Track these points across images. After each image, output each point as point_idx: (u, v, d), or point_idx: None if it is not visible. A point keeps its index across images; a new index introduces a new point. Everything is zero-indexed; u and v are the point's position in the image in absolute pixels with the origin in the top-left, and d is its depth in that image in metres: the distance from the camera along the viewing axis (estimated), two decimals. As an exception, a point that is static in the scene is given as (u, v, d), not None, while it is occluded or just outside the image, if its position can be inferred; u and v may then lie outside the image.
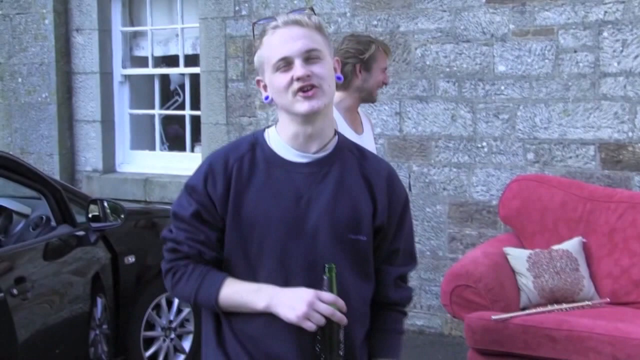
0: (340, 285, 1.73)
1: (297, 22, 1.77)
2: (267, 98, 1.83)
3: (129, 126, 6.49)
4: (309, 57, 1.75)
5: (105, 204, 3.89)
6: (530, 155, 4.72)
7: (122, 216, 3.83)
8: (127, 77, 6.42)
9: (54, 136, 6.33)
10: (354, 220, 1.81)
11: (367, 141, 3.32)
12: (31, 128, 6.44)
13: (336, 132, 1.90)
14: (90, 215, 3.76)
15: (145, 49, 6.39)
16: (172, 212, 1.83)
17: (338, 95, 3.27)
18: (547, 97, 4.64)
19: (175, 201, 1.86)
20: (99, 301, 3.78)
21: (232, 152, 1.83)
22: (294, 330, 1.71)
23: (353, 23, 5.19)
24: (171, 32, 6.25)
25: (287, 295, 1.70)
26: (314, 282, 1.72)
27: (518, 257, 4.05)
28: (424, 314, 5.15)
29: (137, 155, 6.46)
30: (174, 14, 6.20)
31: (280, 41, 1.75)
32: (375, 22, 5.12)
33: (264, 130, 1.89)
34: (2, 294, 2.95)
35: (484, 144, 4.86)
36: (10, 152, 4.70)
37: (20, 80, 6.44)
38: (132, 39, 6.46)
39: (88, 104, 6.34)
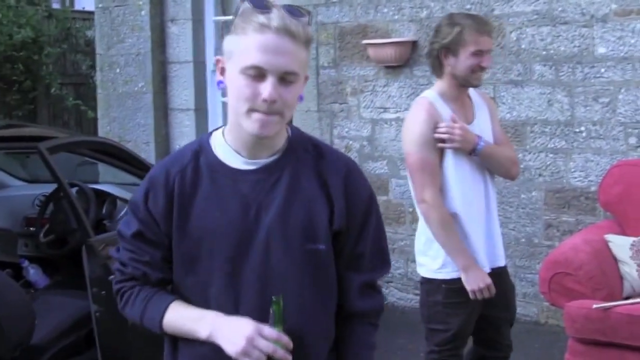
0: (298, 305, 1.65)
1: (289, 33, 1.58)
2: (220, 83, 1.66)
3: (222, 114, 6.61)
4: (284, 78, 1.58)
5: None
6: (633, 140, 4.56)
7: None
8: (220, 66, 6.53)
9: (150, 124, 6.52)
10: (310, 229, 1.67)
11: (479, 129, 3.06)
12: (128, 117, 6.64)
13: (290, 129, 1.74)
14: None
15: (237, 38, 6.48)
16: (117, 230, 1.76)
17: (438, 84, 3.09)
18: (651, 79, 4.48)
19: (123, 219, 1.80)
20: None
21: (174, 164, 1.69)
22: None
23: (446, 7, 5.12)
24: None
25: (228, 327, 1.60)
26: (266, 303, 1.61)
27: (620, 244, 3.93)
28: (519, 301, 4.98)
29: (230, 143, 6.57)
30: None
31: (263, 47, 1.56)
32: (468, 6, 5.04)
33: (210, 135, 1.73)
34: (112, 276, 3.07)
35: (582, 128, 4.73)
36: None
37: (118, 70, 6.66)
38: (225, 28, 6.57)
39: (182, 93, 6.49)
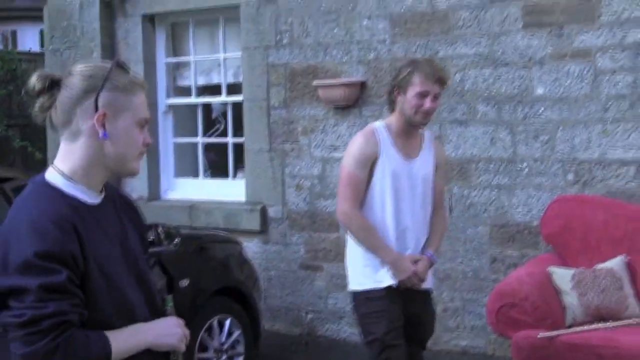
0: (155, 296, 2.01)
1: (144, 88, 1.90)
2: (105, 135, 1.81)
3: (173, 154, 6.67)
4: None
5: (160, 229, 4.04)
6: (571, 176, 4.79)
7: (177, 240, 3.97)
8: (171, 107, 6.61)
9: (101, 165, 6.51)
10: (142, 244, 2.02)
11: (417, 167, 3.36)
12: (79, 157, 6.63)
13: None
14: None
15: (188, 79, 6.59)
16: (40, 285, 1.66)
17: (389, 117, 3.41)
18: (586, 118, 4.72)
19: (19, 280, 1.68)
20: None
21: (58, 211, 1.75)
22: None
23: (392, 50, 5.33)
24: (213, 62, 6.44)
25: (162, 326, 1.89)
26: (147, 305, 1.92)
27: (562, 275, 4.12)
28: (467, 334, 5.21)
29: (182, 183, 6.64)
30: (216, 44, 6.39)
31: (143, 102, 1.87)
32: (414, 49, 5.25)
33: (44, 182, 1.82)
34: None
35: (524, 165, 4.94)
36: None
37: (68, 111, 6.66)
38: (175, 69, 6.67)
39: (134, 133, 6.52)
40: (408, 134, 3.38)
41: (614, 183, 4.66)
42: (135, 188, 6.52)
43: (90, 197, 1.85)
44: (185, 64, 6.59)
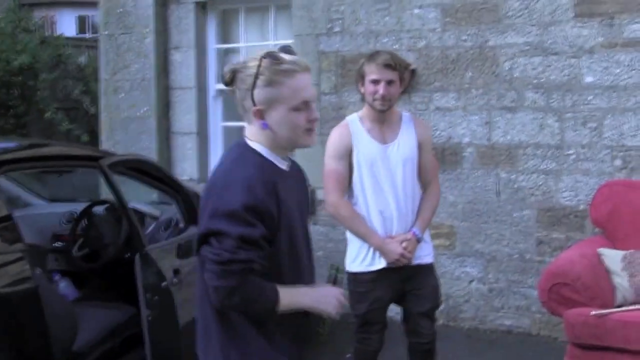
0: (312, 256, 2.28)
1: (308, 69, 2.10)
2: (265, 124, 2.08)
3: (222, 137, 6.87)
4: (313, 100, 2.12)
5: None
6: (618, 162, 4.93)
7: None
8: (221, 92, 6.81)
9: (153, 148, 6.74)
10: (307, 213, 2.32)
11: (395, 150, 3.56)
12: (132, 140, 6.87)
13: None
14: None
15: (237, 65, 6.76)
16: (240, 234, 1.96)
17: (363, 109, 3.68)
18: (635, 106, 4.86)
19: (223, 224, 1.97)
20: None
21: (264, 170, 2.07)
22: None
23: (443, 38, 5.48)
24: (263, 49, 6.60)
25: (322, 294, 2.16)
26: (309, 260, 2.24)
27: (612, 257, 4.27)
28: (512, 314, 5.38)
29: (230, 165, 6.83)
30: (266, 31, 6.58)
31: (302, 85, 2.06)
32: (464, 37, 5.40)
33: (251, 149, 2.13)
34: (165, 283, 3.32)
35: (572, 151, 5.09)
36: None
37: (122, 95, 6.89)
38: (225, 55, 6.86)
39: (184, 117, 6.74)
40: (381, 120, 3.59)
41: (661, 169, 4.80)
42: (186, 170, 6.74)
43: (283, 165, 2.16)
44: (236, 50, 6.78)
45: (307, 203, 2.32)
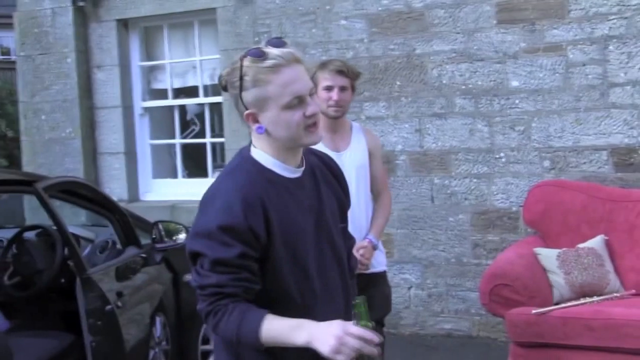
0: (345, 266, 2.06)
1: (296, 60, 1.89)
2: (261, 128, 1.90)
3: (150, 156, 6.74)
4: (311, 93, 1.91)
5: (160, 226, 4.15)
6: (547, 163, 5.07)
7: (183, 235, 4.08)
8: (146, 110, 6.69)
9: (79, 169, 6.56)
10: (340, 211, 2.11)
11: (347, 158, 3.55)
12: (56, 162, 6.66)
13: None
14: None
15: (162, 82, 6.67)
16: (212, 259, 1.83)
17: None
18: (559, 108, 5.01)
19: (200, 246, 1.85)
20: (158, 320, 4.01)
21: (253, 184, 1.90)
22: None
23: (370, 48, 5.53)
24: (188, 65, 6.54)
25: (321, 330, 1.79)
26: (339, 272, 2.04)
27: (548, 256, 4.37)
28: (451, 317, 5.44)
29: (159, 184, 6.72)
30: (191, 47, 6.50)
31: (289, 80, 1.85)
32: (392, 47, 5.46)
33: (250, 157, 1.96)
34: (111, 307, 3.20)
35: (502, 154, 5.20)
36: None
37: (43, 117, 6.68)
38: (150, 72, 6.74)
39: (111, 137, 6.59)
40: (334, 128, 3.59)
41: (588, 168, 4.95)
42: (114, 191, 6.57)
43: (288, 172, 1.96)
44: (160, 67, 6.67)
45: (338, 198, 2.10)
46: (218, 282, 1.83)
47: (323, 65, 3.56)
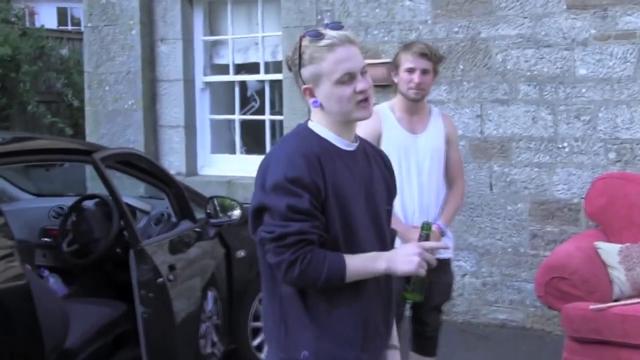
0: (387, 245, 2.17)
1: (350, 41, 2.05)
2: (316, 102, 2.08)
3: (209, 131, 6.79)
4: (363, 71, 2.06)
5: (216, 201, 4.16)
6: (612, 155, 4.91)
7: (237, 212, 4.09)
8: (208, 84, 6.72)
9: (139, 141, 6.64)
10: (387, 194, 2.23)
11: (422, 141, 3.55)
12: (118, 134, 6.76)
13: None
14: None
15: (224, 57, 6.69)
16: (287, 206, 1.95)
17: (394, 99, 3.65)
18: (629, 98, 4.84)
19: (270, 199, 1.97)
20: (210, 294, 4.03)
21: (310, 145, 2.06)
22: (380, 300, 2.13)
23: (434, 30, 5.43)
24: (250, 41, 6.54)
25: (400, 254, 2.04)
26: (380, 248, 2.12)
27: (609, 251, 4.24)
28: (505, 308, 5.35)
29: (217, 159, 6.76)
30: (253, 23, 6.49)
31: (342, 58, 2.02)
32: (456, 29, 5.35)
33: (307, 128, 2.13)
34: (162, 279, 3.23)
35: (565, 144, 5.06)
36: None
37: (107, 88, 6.78)
38: (212, 47, 6.76)
39: (171, 110, 6.65)
40: (412, 111, 3.58)
41: (655, 162, 4.78)
42: (173, 164, 6.65)
43: (342, 144, 2.11)
44: (223, 42, 6.69)
45: (388, 183, 2.23)
46: (301, 229, 1.95)
47: (406, 47, 3.55)
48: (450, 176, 3.70)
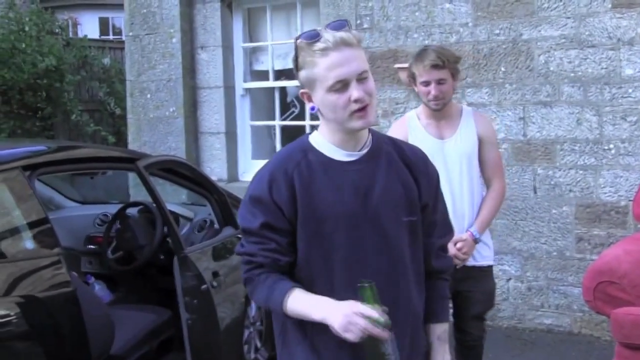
0: (401, 259, 1.98)
1: (346, 43, 1.88)
2: (313, 108, 1.97)
3: (250, 136, 6.81)
4: (360, 77, 1.90)
5: None
6: (660, 156, 4.81)
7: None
8: (248, 91, 6.75)
9: (181, 148, 6.70)
10: (407, 203, 2.01)
11: (452, 146, 3.46)
12: (159, 141, 6.82)
13: (369, 129, 2.07)
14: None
15: (264, 63, 6.72)
16: (241, 227, 1.99)
17: (421, 105, 3.58)
18: (677, 98, 4.73)
19: (240, 215, 2.00)
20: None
21: (288, 162, 1.97)
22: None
23: (475, 33, 5.38)
24: (289, 47, 6.54)
25: (334, 308, 1.84)
26: (389, 262, 1.96)
27: (659, 254, 4.14)
28: (551, 313, 5.26)
29: (258, 165, 6.74)
30: (293, 28, 6.50)
31: (335, 64, 1.86)
32: (497, 31, 5.29)
33: (307, 138, 2.04)
34: (206, 286, 3.25)
35: (611, 146, 4.96)
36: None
37: (148, 96, 6.85)
38: (252, 54, 6.80)
39: (212, 117, 6.69)
40: (438, 116, 3.50)
41: None
42: (214, 170, 6.69)
43: (340, 155, 1.98)
44: (262, 49, 6.71)
45: (409, 197, 2.02)
46: (248, 251, 1.96)
47: (419, 58, 3.43)
48: (487, 177, 3.59)
